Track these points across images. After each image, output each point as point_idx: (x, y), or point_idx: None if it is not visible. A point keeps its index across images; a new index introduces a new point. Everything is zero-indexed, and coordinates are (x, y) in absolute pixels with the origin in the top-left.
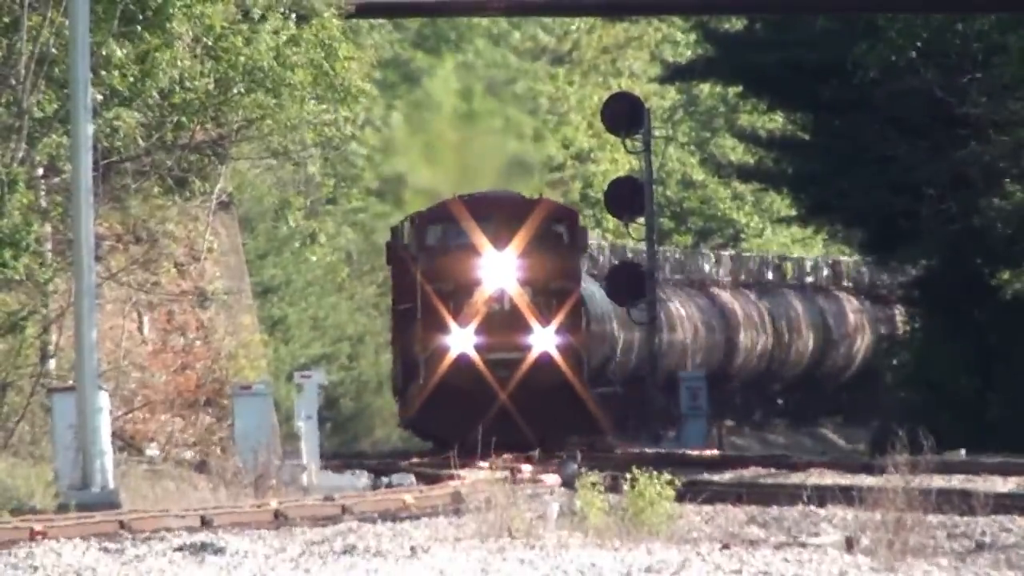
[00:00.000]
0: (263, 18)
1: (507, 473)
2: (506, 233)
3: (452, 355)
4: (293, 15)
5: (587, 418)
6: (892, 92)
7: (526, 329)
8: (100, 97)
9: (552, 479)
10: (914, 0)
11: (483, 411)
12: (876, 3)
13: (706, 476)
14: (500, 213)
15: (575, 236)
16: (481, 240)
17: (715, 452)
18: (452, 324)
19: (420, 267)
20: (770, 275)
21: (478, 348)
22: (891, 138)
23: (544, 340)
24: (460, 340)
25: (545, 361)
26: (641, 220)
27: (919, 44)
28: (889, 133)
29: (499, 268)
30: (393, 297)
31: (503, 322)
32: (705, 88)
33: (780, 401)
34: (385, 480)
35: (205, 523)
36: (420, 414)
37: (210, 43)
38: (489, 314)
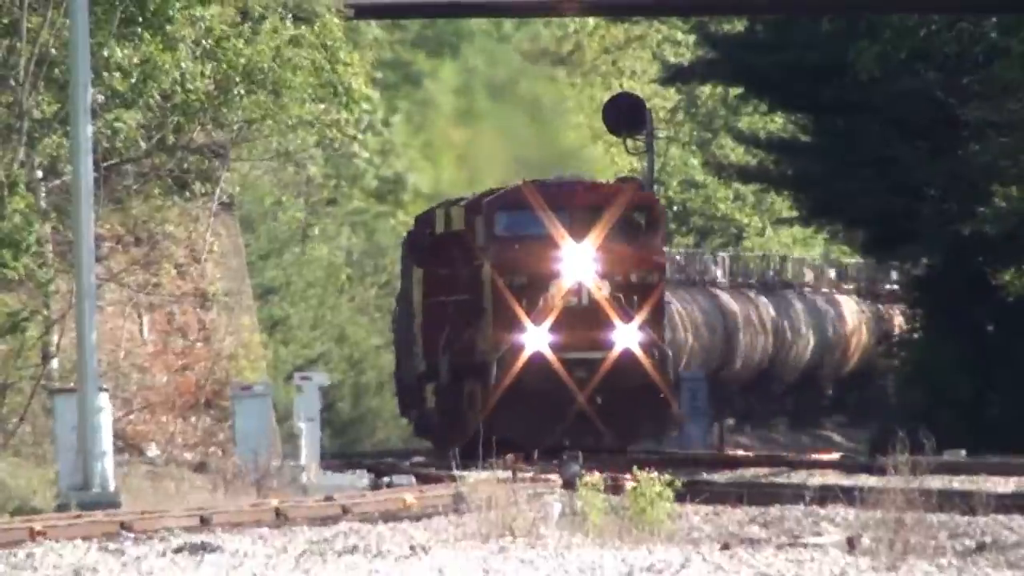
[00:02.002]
0: (262, 18)
1: (509, 473)
2: (584, 222)
3: (526, 355)
4: (290, 16)
5: (669, 420)
6: (892, 93)
7: (606, 326)
8: (100, 98)
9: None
10: (913, 0)
11: (559, 414)
12: (877, 3)
13: (706, 476)
14: (577, 200)
15: (656, 223)
16: (557, 229)
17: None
18: (526, 321)
19: (490, 258)
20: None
21: (554, 347)
22: (891, 139)
23: (626, 338)
24: (535, 338)
25: (627, 360)
26: None
27: (919, 45)
28: (889, 134)
29: (577, 260)
30: (425, 290)
31: (581, 319)
32: (706, 89)
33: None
34: (386, 480)
35: (205, 523)
36: (491, 419)
37: (209, 45)
38: (566, 310)
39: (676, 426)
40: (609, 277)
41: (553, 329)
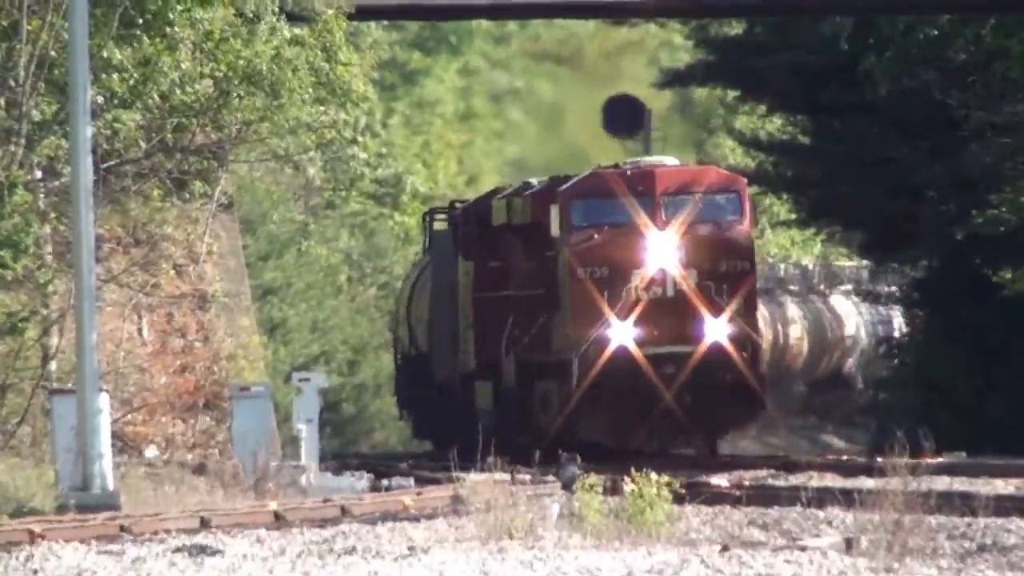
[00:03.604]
0: (257, 18)
1: (507, 475)
2: (667, 207)
3: (610, 350)
4: (284, 16)
5: (757, 414)
6: (892, 94)
7: (694, 318)
8: (100, 99)
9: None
10: (916, 1)
11: (645, 412)
12: (879, 5)
13: (704, 478)
14: (659, 185)
15: (745, 208)
16: (639, 217)
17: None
18: (609, 315)
19: (567, 249)
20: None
21: (639, 341)
22: (891, 141)
23: (715, 330)
24: (619, 333)
25: (717, 355)
26: None
27: (923, 49)
28: (889, 136)
29: (661, 249)
30: (477, 285)
31: (667, 311)
32: (703, 91)
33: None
34: (385, 482)
35: (204, 525)
36: (571, 419)
37: (208, 47)
38: (650, 302)
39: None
40: (696, 266)
41: (637, 322)
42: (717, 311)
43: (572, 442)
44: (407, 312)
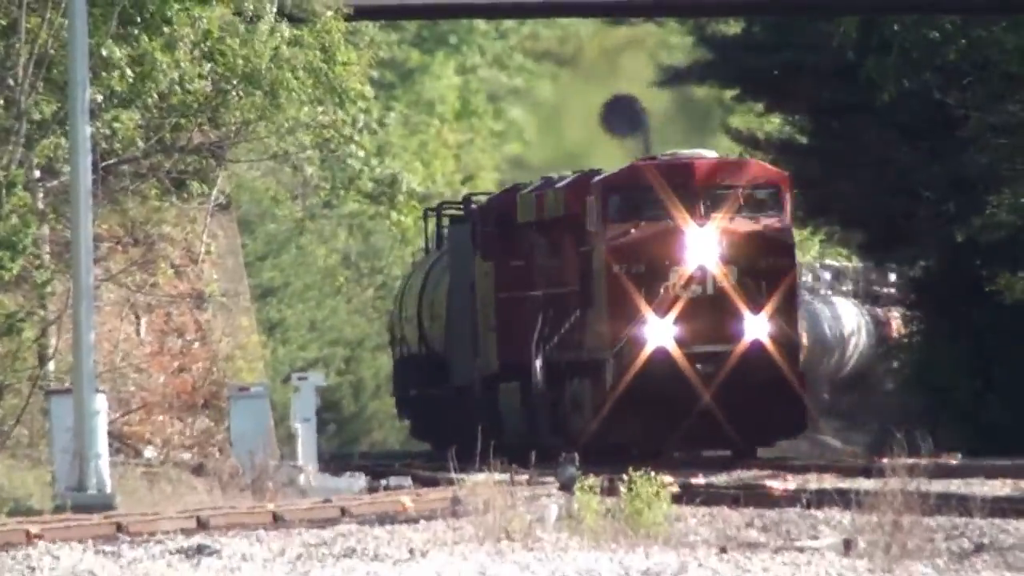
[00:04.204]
0: (256, 18)
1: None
2: (707, 202)
3: (648, 350)
4: (285, 17)
5: (802, 417)
6: (890, 95)
7: (733, 316)
8: (99, 98)
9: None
10: (917, 2)
11: (684, 412)
12: (880, 5)
13: (703, 479)
14: (698, 178)
15: (785, 201)
16: (678, 211)
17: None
18: (647, 313)
19: (603, 244)
20: None
21: (678, 340)
22: (890, 141)
23: (755, 328)
24: (657, 331)
25: (757, 353)
26: None
27: (924, 50)
28: (888, 136)
29: (700, 245)
30: (500, 284)
31: (706, 308)
32: (702, 90)
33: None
34: (383, 482)
35: (202, 525)
36: (607, 421)
37: (207, 46)
38: (690, 300)
39: (810, 426)
40: (736, 262)
41: (675, 320)
42: (757, 309)
43: (607, 445)
44: (417, 312)
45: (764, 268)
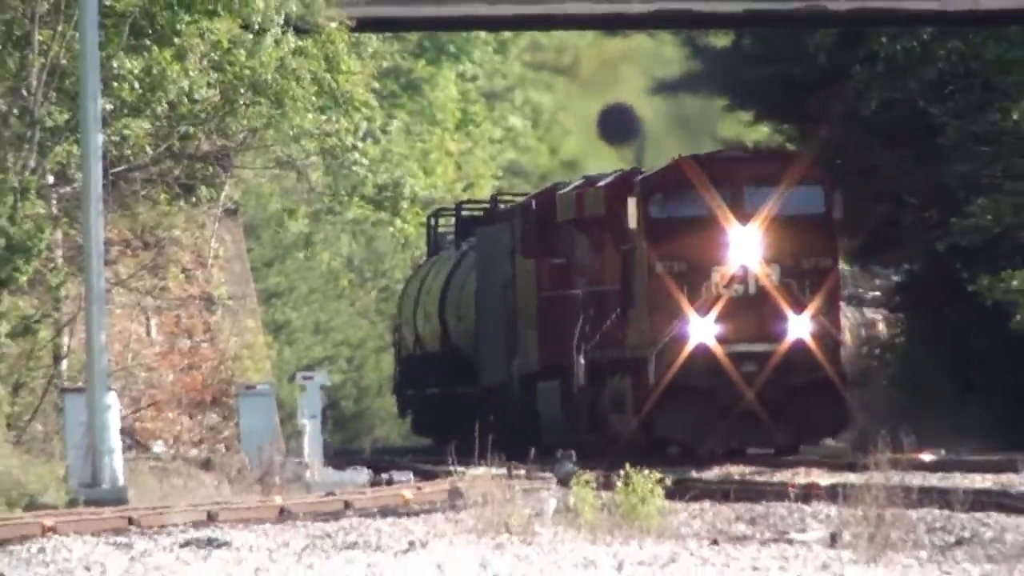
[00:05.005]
0: (263, 30)
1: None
2: (750, 200)
3: (689, 348)
4: (291, 28)
5: (843, 416)
6: (876, 104)
7: (776, 315)
8: (109, 108)
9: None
10: (896, 15)
11: (725, 411)
12: (860, 17)
13: (695, 474)
14: (741, 176)
15: (830, 202)
16: (721, 209)
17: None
18: (689, 311)
19: (645, 243)
20: None
21: (720, 339)
22: (874, 149)
23: (798, 328)
24: (699, 329)
25: (799, 353)
26: None
27: (908, 61)
28: (872, 144)
29: (743, 244)
30: (540, 283)
31: (748, 308)
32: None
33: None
34: (385, 476)
35: (211, 518)
36: (648, 419)
37: (215, 57)
38: (732, 299)
39: (852, 424)
40: (778, 261)
41: (718, 319)
42: (800, 308)
43: (647, 442)
44: (439, 312)
45: (807, 268)
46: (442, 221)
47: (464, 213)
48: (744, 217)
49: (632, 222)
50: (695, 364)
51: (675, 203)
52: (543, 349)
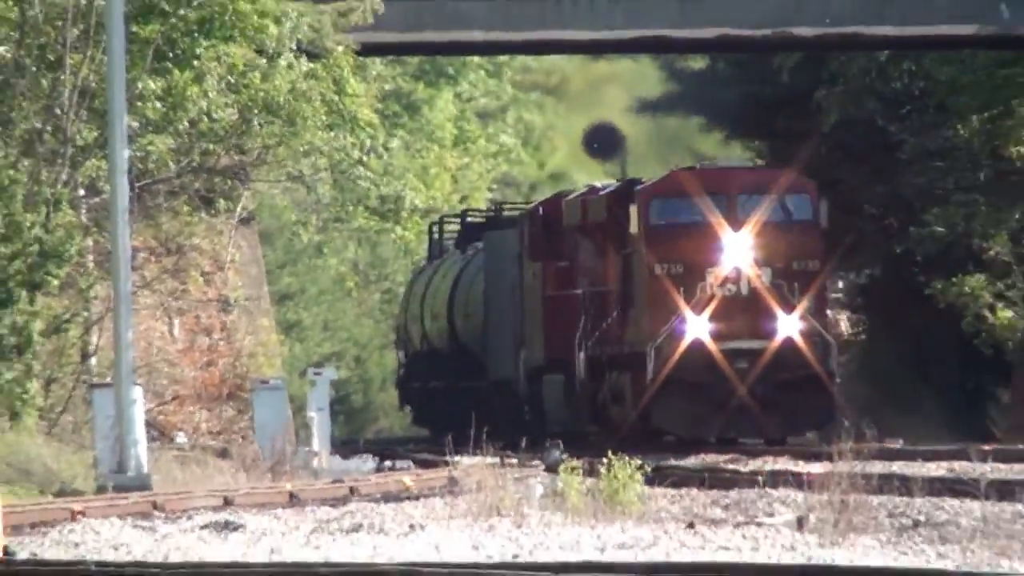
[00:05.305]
0: (277, 55)
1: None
2: (742, 208)
3: (685, 343)
4: (304, 55)
5: (832, 412)
6: (838, 122)
7: (767, 315)
8: (135, 126)
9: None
10: (859, 39)
11: (719, 405)
12: (823, 42)
13: (672, 461)
14: (734, 185)
15: (817, 210)
16: (715, 216)
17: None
18: (685, 310)
19: (644, 246)
20: None
21: (714, 336)
22: (837, 163)
23: (787, 326)
24: (694, 327)
25: (789, 350)
26: None
27: (868, 80)
28: (835, 158)
29: (736, 248)
30: (546, 283)
31: (741, 307)
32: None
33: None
34: (388, 464)
35: (228, 503)
36: (647, 411)
37: (232, 80)
38: (725, 299)
39: (838, 419)
40: (769, 264)
41: (712, 318)
42: (789, 308)
43: (647, 433)
44: (447, 312)
45: (796, 270)
46: (443, 227)
47: (468, 220)
48: (737, 223)
49: (633, 227)
50: (690, 359)
51: (672, 210)
52: (548, 345)
